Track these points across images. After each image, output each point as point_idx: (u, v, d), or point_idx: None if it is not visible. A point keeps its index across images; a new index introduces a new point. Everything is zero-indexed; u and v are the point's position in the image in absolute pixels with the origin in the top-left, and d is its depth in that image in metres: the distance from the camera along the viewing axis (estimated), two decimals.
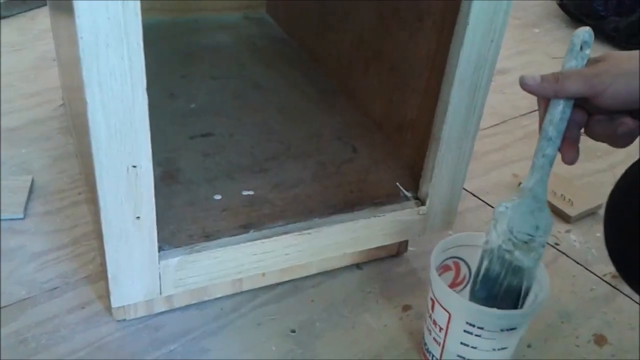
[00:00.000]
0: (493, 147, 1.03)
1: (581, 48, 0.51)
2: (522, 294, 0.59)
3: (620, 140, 0.51)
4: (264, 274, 0.72)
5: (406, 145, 0.76)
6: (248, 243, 0.62)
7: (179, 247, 0.61)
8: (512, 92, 1.18)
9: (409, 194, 0.71)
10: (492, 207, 0.90)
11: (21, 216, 0.81)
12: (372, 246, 0.71)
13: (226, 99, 0.84)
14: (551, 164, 0.55)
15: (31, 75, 1.11)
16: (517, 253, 0.57)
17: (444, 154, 0.67)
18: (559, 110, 0.51)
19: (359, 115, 0.83)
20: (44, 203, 0.84)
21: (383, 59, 0.78)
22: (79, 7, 0.44)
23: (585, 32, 0.51)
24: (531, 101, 1.14)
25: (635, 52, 0.49)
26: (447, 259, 0.67)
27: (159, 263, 0.59)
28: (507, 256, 0.58)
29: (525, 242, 0.57)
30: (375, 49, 0.79)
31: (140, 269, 0.59)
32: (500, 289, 0.59)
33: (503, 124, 1.09)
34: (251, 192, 0.69)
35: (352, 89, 0.86)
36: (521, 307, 0.60)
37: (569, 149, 0.53)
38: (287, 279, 0.75)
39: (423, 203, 0.70)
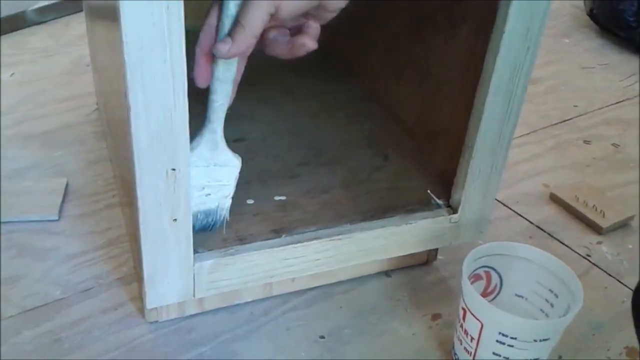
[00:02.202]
0: (523, 156, 1.02)
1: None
2: None
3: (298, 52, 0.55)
4: (293, 280, 0.72)
5: (438, 153, 0.76)
6: (280, 247, 0.63)
7: (213, 250, 0.62)
8: (542, 101, 1.18)
9: (440, 202, 0.71)
10: (523, 217, 0.90)
11: (56, 218, 0.82)
12: (403, 253, 0.71)
13: (258, 105, 0.85)
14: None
15: (65, 80, 1.13)
16: None
17: (477, 162, 0.66)
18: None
19: (390, 123, 0.84)
20: (79, 205, 0.85)
21: (416, 66, 0.78)
22: (124, 13, 0.45)
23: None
24: (562, 111, 1.15)
25: None
26: (478, 268, 0.67)
27: (193, 265, 0.60)
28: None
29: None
30: (408, 55, 0.79)
31: (176, 270, 0.59)
32: None
33: (533, 133, 1.09)
34: (283, 197, 0.70)
35: (383, 95, 0.86)
36: None
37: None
38: (316, 284, 0.75)
39: (455, 211, 0.70)
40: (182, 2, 0.46)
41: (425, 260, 0.80)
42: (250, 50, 0.54)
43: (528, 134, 1.08)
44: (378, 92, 0.87)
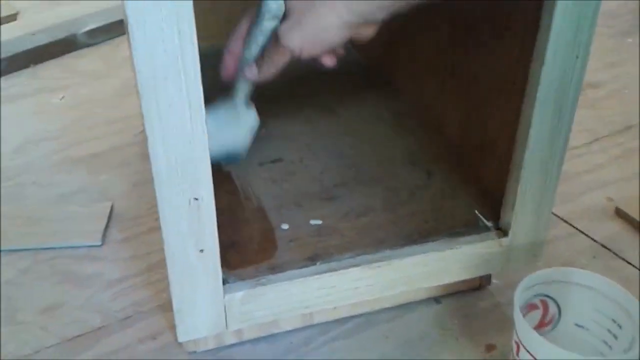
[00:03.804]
0: (585, 167, 0.95)
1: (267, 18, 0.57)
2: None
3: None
4: (334, 307, 0.69)
5: (486, 169, 0.71)
6: (315, 276, 0.60)
7: (244, 280, 0.59)
8: (605, 106, 1.10)
9: (489, 224, 0.66)
10: (586, 235, 0.83)
11: (99, 243, 0.82)
12: (448, 281, 0.66)
13: (297, 123, 0.82)
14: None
15: (114, 102, 1.14)
16: None
17: (527, 179, 0.61)
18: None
19: (434, 138, 0.79)
20: (122, 229, 0.85)
21: (459, 77, 0.73)
22: (135, 40, 0.43)
23: (274, 3, 0.57)
24: (627, 117, 1.06)
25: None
26: (533, 296, 0.61)
27: (223, 297, 0.58)
28: None
29: None
30: (451, 66, 0.75)
31: (205, 302, 0.57)
32: None
33: (595, 142, 1.01)
34: (319, 222, 0.67)
35: (427, 109, 0.82)
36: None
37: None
38: (359, 312, 0.71)
39: (505, 234, 0.65)
40: (194, 27, 0.44)
41: (478, 285, 0.74)
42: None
43: (590, 142, 1.01)
44: (421, 106, 0.83)
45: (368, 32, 0.57)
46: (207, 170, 0.50)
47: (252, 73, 0.60)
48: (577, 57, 0.55)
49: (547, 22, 0.53)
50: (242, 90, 0.64)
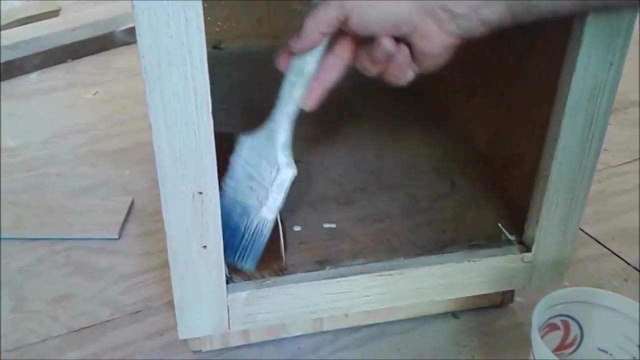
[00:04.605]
0: (623, 187, 0.91)
1: None
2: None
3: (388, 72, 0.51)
4: (346, 315, 0.66)
5: (513, 181, 0.68)
6: (323, 281, 0.57)
7: (249, 280, 0.57)
8: None
9: (511, 237, 0.63)
10: (619, 257, 0.79)
11: (116, 237, 0.82)
12: (465, 295, 0.63)
13: (320, 126, 0.80)
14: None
15: (145, 98, 1.14)
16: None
17: (553, 193, 0.58)
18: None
19: (461, 146, 0.76)
20: (140, 224, 0.85)
21: (490, 85, 0.70)
22: (139, 25, 0.42)
23: None
24: None
25: None
26: (554, 316, 0.58)
27: (227, 296, 0.56)
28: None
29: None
30: (482, 74, 0.72)
31: (207, 301, 0.56)
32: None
33: (635, 162, 0.96)
34: (333, 225, 0.64)
35: (454, 117, 0.79)
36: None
37: (315, 92, 0.53)
38: (372, 321, 0.68)
39: (528, 249, 0.61)
40: (201, 13, 0.42)
41: (500, 301, 0.71)
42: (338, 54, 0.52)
43: (629, 162, 0.96)
44: (449, 113, 0.80)
45: (441, 43, 0.50)
46: (213, 163, 0.49)
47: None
48: (611, 64, 0.51)
49: (580, 26, 0.50)
50: (287, 98, 0.54)
